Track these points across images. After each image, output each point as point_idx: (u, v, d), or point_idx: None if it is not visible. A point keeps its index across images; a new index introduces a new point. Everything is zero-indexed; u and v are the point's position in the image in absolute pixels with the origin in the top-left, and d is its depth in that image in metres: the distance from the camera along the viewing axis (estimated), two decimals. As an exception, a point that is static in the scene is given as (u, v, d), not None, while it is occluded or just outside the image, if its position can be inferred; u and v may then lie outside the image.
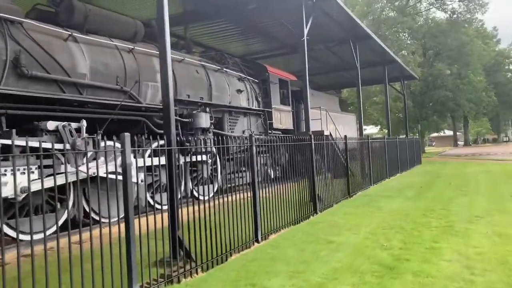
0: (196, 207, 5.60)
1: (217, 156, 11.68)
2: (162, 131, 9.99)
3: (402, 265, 5.14)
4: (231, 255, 6.03)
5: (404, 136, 26.65)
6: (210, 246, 5.67)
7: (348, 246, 6.22)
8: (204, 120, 10.71)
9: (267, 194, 7.48)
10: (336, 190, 11.17)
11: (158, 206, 6.63)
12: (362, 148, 14.85)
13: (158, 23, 6.08)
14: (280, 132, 15.34)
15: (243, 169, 9.19)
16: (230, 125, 12.61)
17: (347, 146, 12.66)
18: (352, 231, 7.30)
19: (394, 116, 38.52)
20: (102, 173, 7.78)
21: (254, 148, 6.90)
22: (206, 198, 6.38)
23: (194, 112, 10.65)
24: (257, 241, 6.77)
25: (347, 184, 11.84)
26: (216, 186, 11.16)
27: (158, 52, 9.87)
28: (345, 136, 11.90)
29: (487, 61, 49.09)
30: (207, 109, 11.08)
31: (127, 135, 4.42)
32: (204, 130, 10.87)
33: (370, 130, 67.61)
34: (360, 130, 15.84)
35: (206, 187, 7.54)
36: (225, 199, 6.32)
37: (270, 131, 14.51)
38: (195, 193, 10.56)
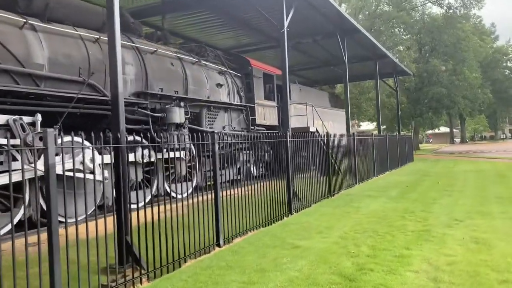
0: (159, 208, 5.15)
1: (195, 153, 11.23)
2: (132, 126, 9.59)
3: (364, 276, 4.68)
4: (185, 262, 5.57)
5: (396, 133, 26.23)
6: (166, 251, 5.23)
7: (314, 252, 5.77)
8: (178, 115, 10.22)
9: (240, 194, 7.05)
10: (317, 189, 10.73)
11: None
12: (348, 146, 14.41)
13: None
14: (264, 129, 14.87)
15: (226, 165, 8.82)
16: (208, 121, 12.12)
17: (330, 144, 12.21)
18: (322, 234, 6.85)
19: (389, 112, 38.08)
20: (59, 171, 7.34)
21: (216, 145, 6.42)
22: (183, 196, 6.06)
23: (167, 106, 10.15)
24: (219, 245, 6.32)
25: (329, 182, 11.38)
26: (194, 183, 10.70)
27: (126, 43, 9.45)
28: (327, 133, 11.43)
29: (483, 57, 48.63)
30: (182, 104, 10.57)
31: (50, 131, 3.93)
32: (179, 126, 10.38)
33: (366, 126, 67.11)
34: (347, 126, 15.38)
35: (182, 185, 7.08)
36: (193, 199, 5.87)
37: (252, 127, 14.03)
38: (172, 193, 10.13)
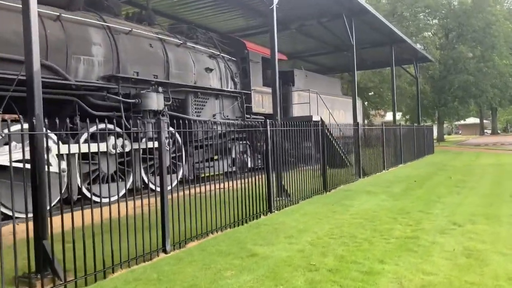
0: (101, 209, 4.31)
1: (179, 142, 10.39)
2: (101, 113, 8.77)
3: (309, 301, 3.70)
4: (113, 272, 4.70)
5: (416, 123, 24.72)
6: (94, 259, 4.42)
7: (268, 264, 4.80)
8: (156, 101, 9.35)
9: (211, 190, 6.17)
10: (309, 184, 9.72)
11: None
12: (353, 136, 13.28)
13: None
14: (262, 117, 13.86)
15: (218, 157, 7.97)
16: (196, 108, 11.21)
17: (327, 133, 11.14)
18: (291, 239, 5.86)
19: (411, 102, 36.30)
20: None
21: (163, 135, 5.49)
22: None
23: (142, 92, 9.29)
24: (165, 251, 5.43)
25: (323, 177, 10.33)
26: (179, 175, 9.90)
27: (93, 21, 8.60)
28: (322, 122, 10.34)
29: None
30: (161, 89, 9.68)
31: None
32: (157, 113, 9.51)
33: (391, 117, 64.95)
34: (354, 116, 14.20)
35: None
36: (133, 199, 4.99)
37: (248, 116, 13.05)
38: (151, 185, 9.34)
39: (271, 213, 7.86)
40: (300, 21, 15.08)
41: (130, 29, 9.37)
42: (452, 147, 31.16)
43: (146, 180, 9.53)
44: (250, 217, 7.23)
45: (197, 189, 6.31)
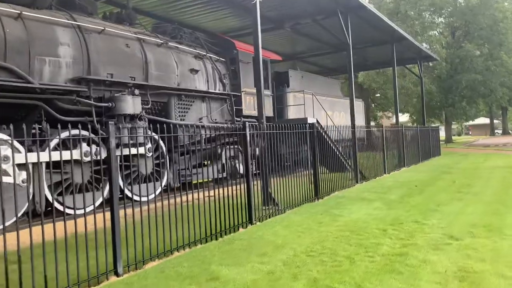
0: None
1: (162, 148, 9.77)
2: (69, 118, 8.16)
3: None
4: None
5: (419, 125, 23.87)
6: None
7: (227, 290, 4.12)
8: (131, 104, 8.73)
9: (187, 201, 5.51)
10: (300, 191, 9.03)
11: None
12: (352, 139, 12.58)
13: None
14: (254, 120, 13.19)
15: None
16: (179, 112, 10.57)
17: (328, 136, 10.50)
18: (264, 257, 5.17)
19: (418, 103, 35.34)
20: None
21: (112, 142, 4.83)
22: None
23: (116, 95, 8.67)
24: (117, 273, 4.76)
25: (315, 183, 9.61)
26: (163, 184, 9.26)
27: (61, 20, 8.01)
28: (312, 124, 9.64)
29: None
30: (136, 91, 9.04)
31: None
32: (133, 117, 8.89)
33: (400, 118, 63.77)
34: (352, 118, 13.43)
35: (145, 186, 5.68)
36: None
37: (238, 119, 12.38)
38: (132, 194, 8.72)
39: (251, 225, 7.17)
40: (295, 20, 14.38)
41: (103, 28, 8.76)
42: (460, 149, 30.18)
43: (127, 191, 8.96)
44: (226, 230, 6.54)
45: (169, 200, 5.68)
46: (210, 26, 14.18)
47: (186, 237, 5.73)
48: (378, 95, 39.92)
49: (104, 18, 9.96)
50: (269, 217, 7.71)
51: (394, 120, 62.27)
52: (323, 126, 14.13)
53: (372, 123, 44.30)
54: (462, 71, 34.45)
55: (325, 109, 17.01)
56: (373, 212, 7.73)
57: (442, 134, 45.03)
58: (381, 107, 42.06)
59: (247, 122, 7.28)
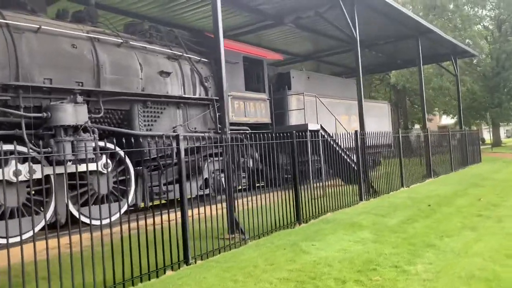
0: None
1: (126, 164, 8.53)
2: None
3: None
4: None
5: (463, 127, 21.33)
6: None
7: None
8: (71, 114, 7.45)
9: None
10: (279, 214, 7.44)
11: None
12: (355, 148, 10.78)
13: None
14: (247, 128, 11.69)
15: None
16: (145, 120, 9.22)
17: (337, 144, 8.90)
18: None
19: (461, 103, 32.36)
20: None
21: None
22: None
23: (53, 103, 7.43)
24: None
25: (296, 204, 7.95)
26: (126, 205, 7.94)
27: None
28: (293, 133, 7.98)
29: None
30: (80, 98, 7.74)
31: None
32: (77, 129, 7.60)
33: (446, 120, 59.58)
34: (360, 123, 11.58)
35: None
36: None
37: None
38: (84, 218, 7.53)
39: (187, 265, 5.64)
40: (295, 14, 12.74)
41: (38, 26, 7.55)
42: (507, 154, 27.08)
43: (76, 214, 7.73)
44: (147, 275, 5.06)
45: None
46: (200, 25, 12.76)
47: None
48: (416, 96, 37.19)
49: (58, 17, 8.77)
50: (219, 252, 6.15)
51: (442, 122, 58.38)
52: (331, 133, 12.45)
53: (417, 126, 41.37)
54: (510, 67, 31.22)
55: (339, 113, 15.20)
56: (351, 247, 5.99)
57: (488, 137, 41.40)
58: (420, 109, 39.16)
59: (180, 133, 5.76)
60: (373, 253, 5.57)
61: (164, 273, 5.30)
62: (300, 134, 8.41)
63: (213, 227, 6.53)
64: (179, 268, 5.51)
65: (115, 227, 5.11)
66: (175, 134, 7.04)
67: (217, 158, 10.36)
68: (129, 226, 5.23)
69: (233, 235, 7.03)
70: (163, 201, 8.68)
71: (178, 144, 5.72)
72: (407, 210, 8.66)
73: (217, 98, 10.78)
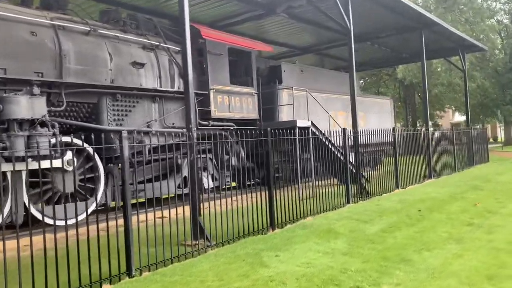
0: None
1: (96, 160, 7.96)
2: None
3: None
4: None
5: (472, 124, 20.42)
6: None
7: None
8: (26, 107, 6.89)
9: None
10: (250, 218, 6.84)
11: None
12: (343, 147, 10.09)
13: None
14: (233, 124, 11.06)
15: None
16: (115, 115, 8.64)
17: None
18: None
19: (471, 100, 31.26)
20: None
21: None
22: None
23: (5, 95, 6.88)
24: None
25: (270, 207, 7.31)
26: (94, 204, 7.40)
27: None
28: (265, 131, 7.31)
29: None
30: (37, 90, 7.18)
31: None
32: (33, 122, 7.05)
33: (459, 117, 58.15)
34: (353, 120, 10.86)
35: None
36: None
37: (205, 122, 10.28)
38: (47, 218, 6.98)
39: (130, 277, 5.04)
40: (287, 3, 12.01)
41: (-9, 11, 6.99)
42: (518, 153, 26.04)
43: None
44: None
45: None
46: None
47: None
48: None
49: (23, 4, 8.20)
50: (171, 263, 5.55)
51: (455, 120, 56.88)
52: (325, 130, 11.76)
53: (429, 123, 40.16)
54: (524, 63, 30.07)
55: (336, 109, 14.48)
56: (317, 260, 5.33)
57: (501, 135, 40.22)
58: (431, 105, 38.03)
59: (123, 131, 5.14)
60: (338, 268, 4.91)
61: (100, 287, 4.73)
62: (287, 131, 7.76)
63: (180, 232, 6.00)
64: (119, 281, 4.93)
65: (71, 230, 4.61)
66: (125, 130, 6.40)
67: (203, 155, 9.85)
68: (77, 231, 4.71)
69: (197, 242, 6.45)
70: (135, 201, 8.21)
71: (121, 142, 5.11)
72: (394, 216, 7.96)
73: (199, 91, 10.22)
